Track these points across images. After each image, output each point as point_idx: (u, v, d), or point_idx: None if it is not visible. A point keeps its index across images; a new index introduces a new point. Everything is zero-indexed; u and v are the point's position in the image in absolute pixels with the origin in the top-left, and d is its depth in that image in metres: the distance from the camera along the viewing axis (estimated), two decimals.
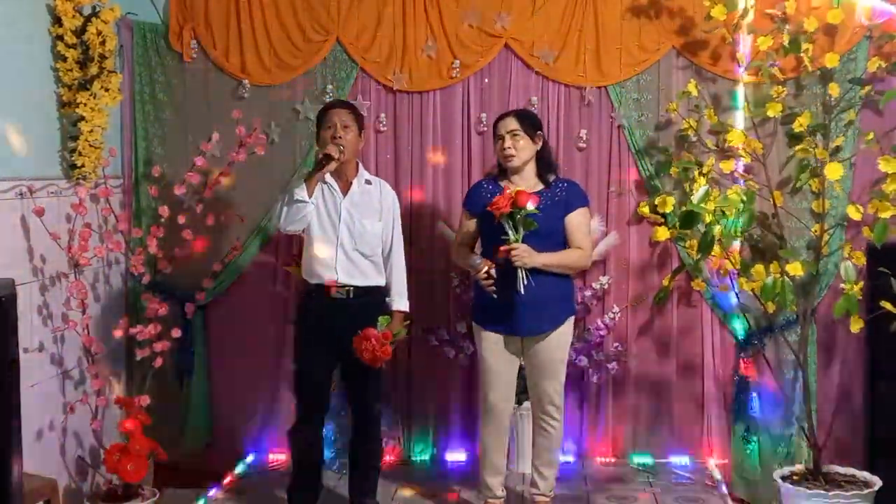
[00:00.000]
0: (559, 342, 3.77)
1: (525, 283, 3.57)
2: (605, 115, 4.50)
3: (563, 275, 3.75)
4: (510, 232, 3.54)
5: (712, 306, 4.44)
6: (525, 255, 3.54)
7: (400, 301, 3.86)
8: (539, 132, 3.81)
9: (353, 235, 3.75)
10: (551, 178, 3.81)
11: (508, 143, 3.72)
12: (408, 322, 3.87)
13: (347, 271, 3.75)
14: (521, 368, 3.90)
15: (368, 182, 3.87)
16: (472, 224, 3.84)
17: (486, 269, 3.61)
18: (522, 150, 3.74)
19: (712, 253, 3.98)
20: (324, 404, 3.91)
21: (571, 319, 3.82)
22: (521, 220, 3.52)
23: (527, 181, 3.78)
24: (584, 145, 4.51)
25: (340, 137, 3.71)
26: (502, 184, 3.80)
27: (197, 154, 4.43)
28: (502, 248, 3.54)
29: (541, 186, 3.78)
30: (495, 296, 3.59)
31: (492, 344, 3.76)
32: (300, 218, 3.68)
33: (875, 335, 4.09)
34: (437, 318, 4.53)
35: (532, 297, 3.60)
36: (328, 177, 3.77)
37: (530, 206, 3.50)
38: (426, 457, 4.68)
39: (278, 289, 4.64)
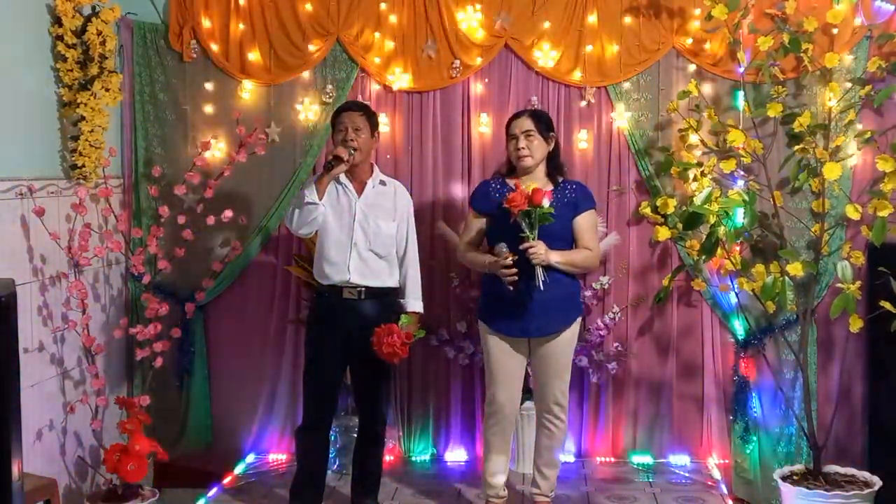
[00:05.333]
0: (567, 342, 3.77)
1: (544, 279, 3.57)
2: (605, 115, 4.50)
3: (570, 275, 3.75)
4: (526, 229, 3.53)
5: (712, 306, 4.44)
6: (542, 253, 3.54)
7: (415, 303, 3.87)
8: (552, 133, 3.81)
9: (367, 235, 3.75)
10: (560, 178, 3.81)
11: (523, 142, 3.72)
12: (420, 325, 3.88)
13: (360, 272, 3.75)
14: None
15: (383, 183, 3.87)
16: (479, 223, 3.82)
17: (511, 258, 3.57)
18: (536, 150, 3.74)
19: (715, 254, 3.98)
20: (332, 406, 3.91)
21: (579, 319, 3.82)
22: (537, 217, 3.51)
23: (537, 181, 3.77)
24: (585, 145, 4.52)
25: (352, 140, 3.71)
26: (511, 182, 3.79)
27: (197, 154, 4.43)
28: (522, 245, 3.53)
29: (550, 187, 3.78)
30: (511, 287, 3.57)
31: (500, 344, 3.76)
32: (311, 220, 3.68)
33: (875, 335, 4.10)
34: (437, 318, 4.53)
35: (542, 297, 3.61)
36: (342, 177, 3.77)
37: (546, 202, 3.51)
38: (426, 457, 4.68)
39: (278, 289, 4.64)
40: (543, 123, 3.77)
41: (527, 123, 3.73)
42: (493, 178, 3.91)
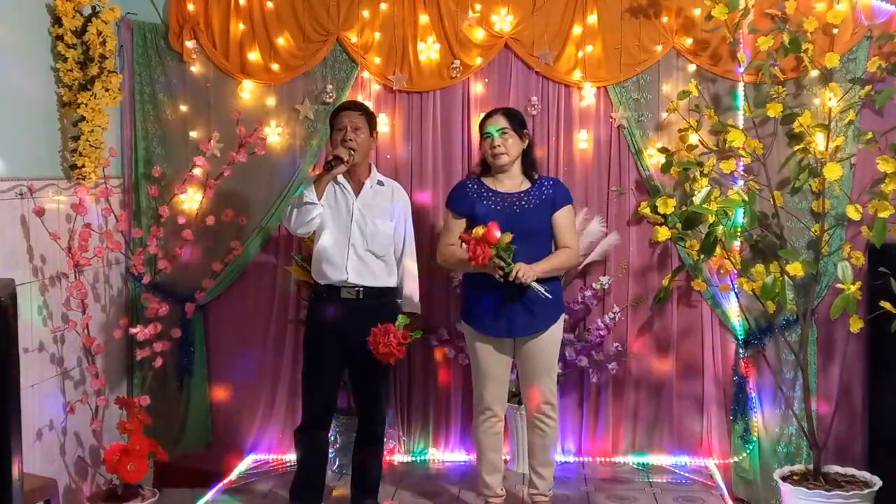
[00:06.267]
0: (553, 340, 3.78)
1: (545, 289, 3.60)
2: (605, 115, 4.50)
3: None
4: (503, 265, 3.53)
5: (712, 306, 4.44)
6: (528, 272, 3.56)
7: (412, 303, 3.88)
8: (525, 130, 3.83)
9: (364, 235, 3.76)
10: (535, 175, 3.83)
11: (498, 141, 3.73)
12: (417, 326, 3.88)
13: (358, 272, 3.75)
14: (513, 368, 3.90)
15: (381, 183, 3.88)
16: (460, 224, 3.80)
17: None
18: (512, 147, 3.75)
19: (714, 253, 3.98)
20: (331, 406, 3.92)
21: (562, 318, 3.83)
22: (503, 250, 3.50)
23: (513, 179, 3.79)
24: (585, 145, 4.52)
25: (351, 140, 3.71)
26: (487, 182, 3.79)
27: (197, 154, 4.43)
28: (509, 279, 3.53)
29: (528, 184, 3.79)
30: (501, 279, 3.56)
31: (486, 346, 3.76)
32: (310, 220, 3.68)
33: (875, 335, 4.10)
34: (437, 318, 4.54)
35: (525, 298, 3.63)
36: (340, 177, 3.78)
37: (498, 233, 3.48)
38: (426, 457, 4.68)
39: (278, 289, 4.63)
40: (517, 121, 3.79)
41: (501, 122, 3.74)
42: (470, 179, 3.90)
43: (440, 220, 4.53)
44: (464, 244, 3.54)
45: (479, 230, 3.49)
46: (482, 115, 3.90)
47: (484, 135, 3.78)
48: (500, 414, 3.85)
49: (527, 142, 3.82)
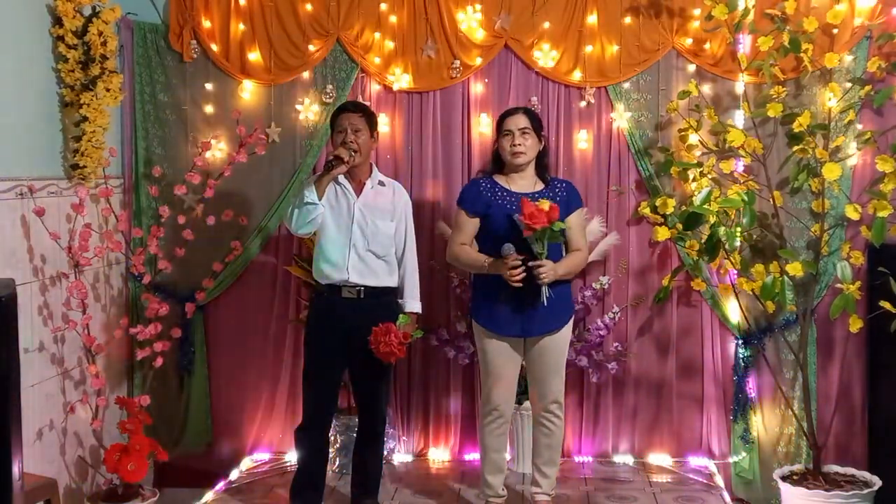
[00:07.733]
0: (565, 339, 3.80)
1: (549, 295, 3.61)
2: (605, 115, 4.50)
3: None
4: (537, 248, 3.53)
5: (712, 306, 4.44)
6: (552, 272, 3.57)
7: (413, 303, 3.88)
8: (543, 132, 3.83)
9: (365, 236, 3.76)
10: (547, 177, 3.83)
11: (519, 139, 3.72)
12: (418, 326, 3.88)
13: (359, 271, 3.75)
14: (521, 368, 3.91)
15: (382, 183, 3.88)
16: (474, 224, 3.79)
17: (519, 259, 3.55)
18: (531, 148, 3.75)
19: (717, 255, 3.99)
20: (332, 406, 3.92)
21: (572, 318, 3.84)
22: (550, 235, 3.51)
23: (527, 179, 3.79)
24: (585, 145, 4.52)
25: (352, 142, 3.72)
26: (499, 181, 3.79)
27: (197, 154, 4.43)
28: (531, 264, 3.54)
29: (541, 186, 3.79)
30: (518, 284, 3.56)
31: (498, 346, 3.76)
32: (311, 220, 3.68)
33: (875, 335, 4.10)
34: (437, 318, 4.54)
35: (540, 299, 3.63)
36: (341, 178, 3.78)
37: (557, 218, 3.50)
38: (426, 457, 4.68)
39: (278, 289, 4.64)
40: (537, 121, 3.80)
41: (522, 121, 3.74)
42: (482, 178, 3.89)
43: (441, 219, 4.54)
44: (521, 210, 3.50)
45: (545, 202, 3.50)
46: (503, 112, 3.87)
47: (503, 132, 3.78)
48: (507, 415, 3.85)
49: (543, 144, 3.82)
